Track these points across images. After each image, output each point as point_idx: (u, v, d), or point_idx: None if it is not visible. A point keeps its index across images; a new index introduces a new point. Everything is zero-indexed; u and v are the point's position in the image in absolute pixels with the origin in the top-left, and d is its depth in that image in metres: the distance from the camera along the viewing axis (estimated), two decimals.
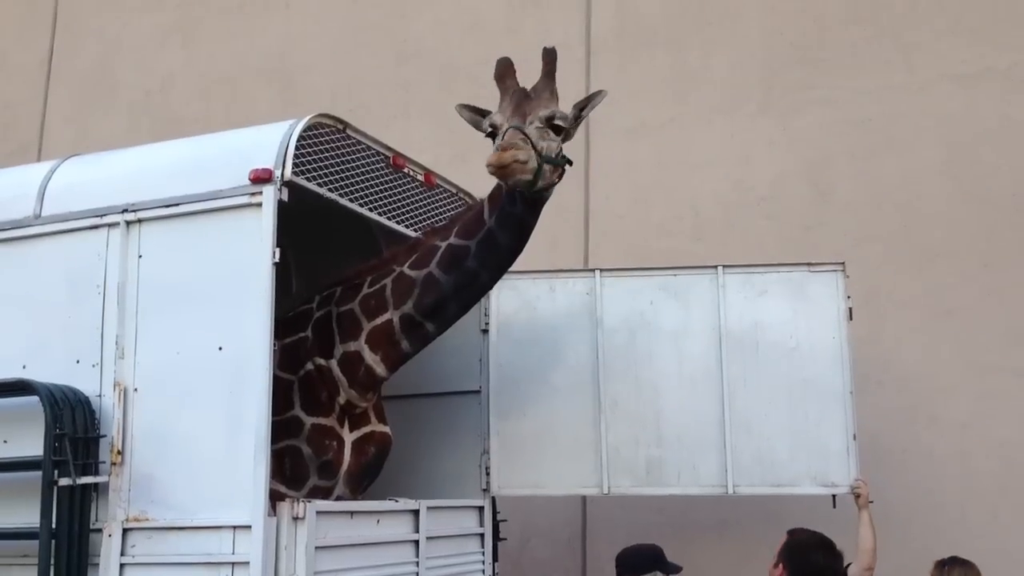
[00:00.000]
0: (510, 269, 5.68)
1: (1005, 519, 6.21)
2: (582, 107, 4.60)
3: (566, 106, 4.52)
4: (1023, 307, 6.49)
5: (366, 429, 4.92)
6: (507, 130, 4.28)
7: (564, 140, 4.49)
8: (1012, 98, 6.79)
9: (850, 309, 5.40)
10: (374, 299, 4.78)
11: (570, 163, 4.57)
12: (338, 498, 4.75)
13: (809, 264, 5.52)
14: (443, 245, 4.68)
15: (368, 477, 4.97)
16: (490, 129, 4.44)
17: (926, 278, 6.77)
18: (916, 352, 6.69)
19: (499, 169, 4.15)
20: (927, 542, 6.06)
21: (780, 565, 3.99)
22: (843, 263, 5.47)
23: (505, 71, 4.55)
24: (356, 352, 4.76)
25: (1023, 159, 6.69)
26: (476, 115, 4.57)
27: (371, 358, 4.75)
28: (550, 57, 4.51)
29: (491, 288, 5.00)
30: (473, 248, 4.61)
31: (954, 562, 4.60)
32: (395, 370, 4.88)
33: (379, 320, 4.74)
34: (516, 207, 4.52)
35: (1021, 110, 6.75)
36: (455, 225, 4.77)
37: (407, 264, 4.76)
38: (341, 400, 4.79)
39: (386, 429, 5.03)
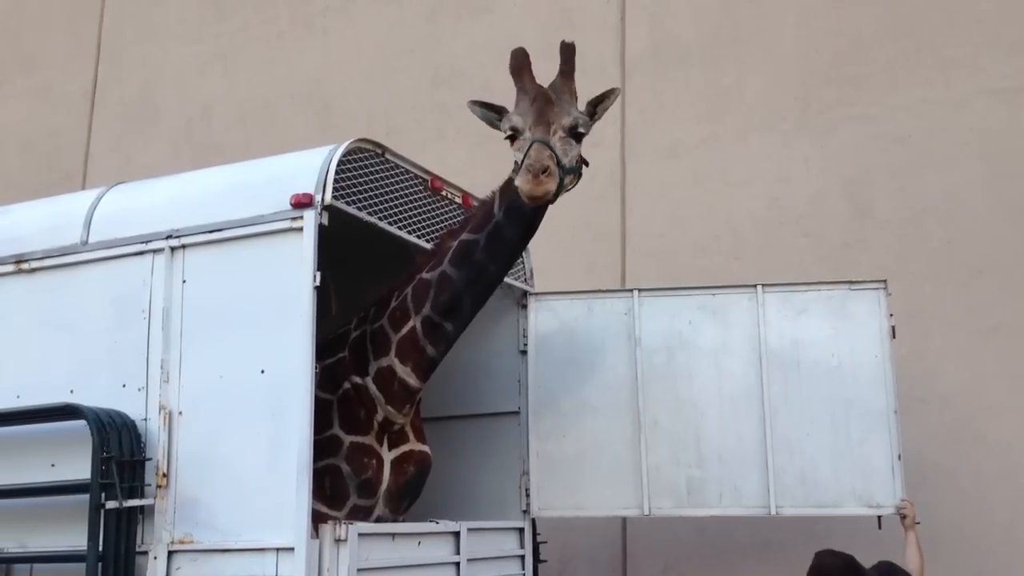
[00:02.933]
0: (549, 290, 5.72)
1: None
2: (596, 104, 4.59)
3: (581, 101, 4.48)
4: None
5: (405, 448, 4.94)
6: (533, 144, 4.22)
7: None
8: None
9: (893, 327, 5.34)
10: (399, 311, 4.82)
11: (587, 164, 4.57)
12: (378, 518, 4.76)
13: (850, 282, 5.47)
14: (455, 243, 4.72)
15: (408, 497, 4.97)
16: (510, 132, 4.41)
17: (969, 294, 6.68)
18: (961, 369, 6.59)
19: (533, 200, 4.17)
20: (976, 563, 5.97)
21: None
22: (885, 281, 5.42)
23: (522, 64, 4.48)
24: (389, 367, 4.78)
25: None
26: (490, 112, 4.55)
27: (402, 370, 4.77)
28: (569, 53, 4.47)
29: (500, 282, 4.93)
30: (482, 241, 4.63)
31: None
32: (426, 379, 4.88)
33: (404, 330, 4.77)
34: (525, 206, 4.53)
35: None
36: (467, 222, 4.81)
37: (426, 269, 4.81)
38: (379, 417, 4.82)
39: (425, 448, 5.04)
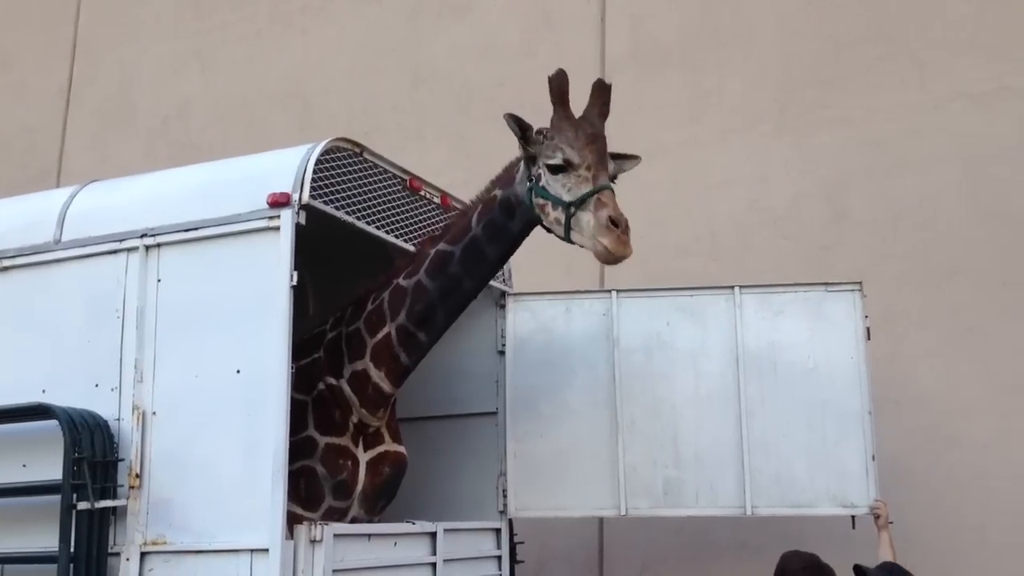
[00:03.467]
0: (527, 290, 5.72)
1: None
2: (617, 160, 4.56)
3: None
4: None
5: (380, 449, 4.92)
6: (605, 191, 4.19)
7: None
8: None
9: (868, 329, 5.38)
10: (375, 315, 4.81)
11: None
12: (353, 519, 4.74)
13: (826, 284, 5.50)
14: (432, 252, 4.71)
15: (384, 498, 4.96)
16: (561, 163, 4.27)
17: (944, 297, 6.73)
18: (935, 372, 6.64)
19: (614, 260, 4.14)
20: (947, 564, 6.01)
21: None
22: (860, 283, 5.45)
23: (565, 89, 4.35)
24: (363, 371, 4.77)
25: None
26: (521, 127, 4.43)
27: (376, 375, 4.76)
28: (607, 95, 4.40)
29: (475, 297, 4.91)
30: (458, 253, 4.63)
31: None
32: (399, 385, 4.88)
33: (380, 335, 4.77)
34: (513, 223, 4.54)
35: None
36: (447, 231, 4.80)
37: (402, 275, 4.80)
38: (354, 419, 4.80)
39: (401, 449, 5.03)
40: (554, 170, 4.26)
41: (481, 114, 8.63)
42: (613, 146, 8.10)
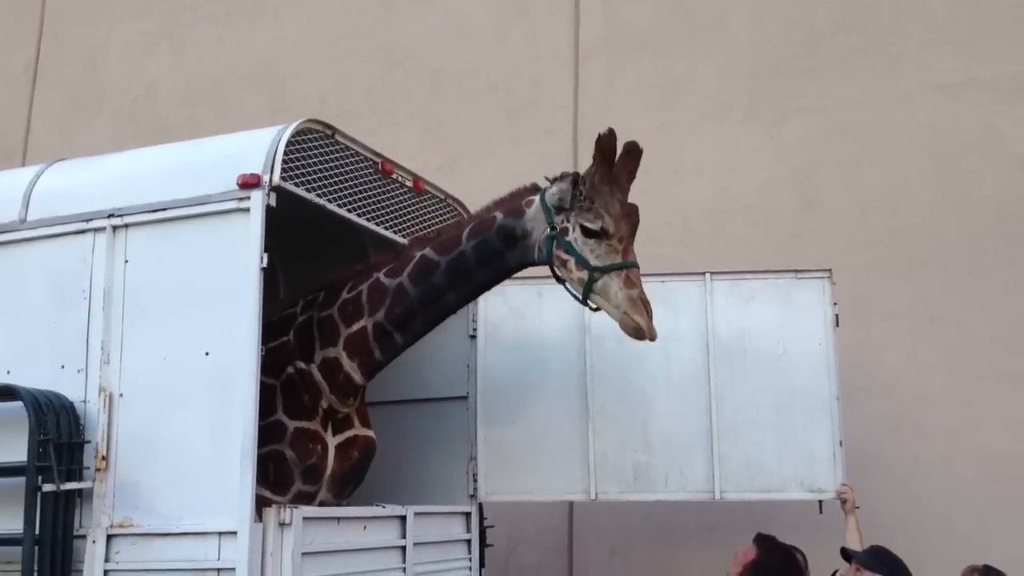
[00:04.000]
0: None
1: (990, 526, 6.24)
2: None
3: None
4: (1007, 314, 6.53)
5: (350, 433, 4.90)
6: (634, 269, 4.28)
7: None
8: (996, 108, 6.85)
9: (837, 316, 5.43)
10: (351, 305, 4.78)
11: None
12: (321, 503, 4.73)
13: (796, 271, 5.54)
14: (418, 255, 4.69)
15: (352, 482, 4.94)
16: (599, 229, 4.29)
17: (911, 286, 6.81)
18: (901, 359, 6.72)
19: (639, 339, 4.25)
20: (911, 549, 6.07)
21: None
22: (830, 270, 5.50)
23: (613, 149, 4.33)
24: (335, 358, 4.75)
25: (1007, 168, 6.74)
26: (570, 185, 4.37)
27: (348, 365, 4.74)
28: (639, 159, 4.39)
29: (456, 311, 4.94)
30: (443, 265, 4.61)
31: (988, 571, 4.52)
32: (371, 378, 4.87)
33: (355, 327, 4.74)
34: (509, 255, 4.55)
35: (1005, 119, 6.81)
36: (437, 236, 4.78)
37: (384, 271, 4.76)
38: (324, 404, 4.78)
39: (370, 433, 5.01)
40: (588, 233, 4.31)
41: (454, 98, 8.60)
42: (585, 131, 8.17)
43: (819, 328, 5.42)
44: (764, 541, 3.79)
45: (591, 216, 4.29)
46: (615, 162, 4.33)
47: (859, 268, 6.70)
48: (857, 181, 7.09)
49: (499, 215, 4.60)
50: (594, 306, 4.39)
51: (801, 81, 7.39)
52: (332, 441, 4.82)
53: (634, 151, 4.37)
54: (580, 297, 4.39)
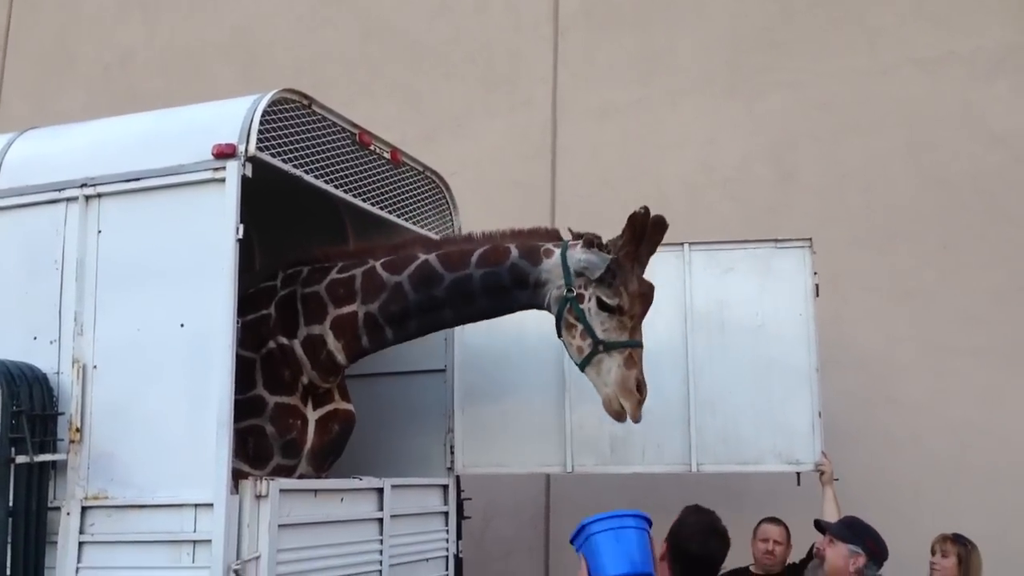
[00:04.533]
0: None
1: (960, 498, 6.32)
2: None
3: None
4: (981, 289, 6.59)
5: (330, 407, 4.90)
6: (638, 349, 4.34)
7: None
8: (973, 83, 6.87)
9: (817, 286, 5.39)
10: (342, 287, 4.75)
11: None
12: (301, 476, 4.72)
13: (776, 240, 5.50)
14: (422, 259, 4.66)
15: (332, 455, 4.95)
16: (615, 305, 4.31)
17: (886, 260, 6.85)
18: (875, 333, 6.77)
19: (622, 420, 4.35)
20: (883, 519, 6.13)
21: (665, 545, 3.88)
22: (810, 239, 5.44)
23: (646, 229, 4.34)
24: (320, 336, 4.73)
25: (983, 143, 6.77)
26: (601, 262, 4.36)
27: (333, 344, 4.73)
28: (663, 233, 4.40)
29: (453, 327, 4.95)
30: (447, 281, 4.60)
31: (958, 539, 4.58)
32: (354, 361, 4.87)
33: (345, 310, 4.72)
34: (518, 295, 4.57)
35: (982, 95, 6.84)
36: (442, 246, 4.75)
37: (382, 262, 4.73)
38: (304, 380, 4.76)
39: (350, 407, 5.01)
40: (603, 306, 4.33)
41: (432, 70, 8.53)
42: (565, 103, 8.14)
43: (799, 298, 5.36)
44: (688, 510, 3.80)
45: (610, 292, 4.32)
46: (644, 239, 4.34)
47: (835, 242, 6.72)
48: (834, 155, 7.11)
49: (514, 252, 4.58)
50: (588, 378, 4.43)
51: (779, 55, 7.39)
52: (312, 415, 4.81)
53: (662, 225, 4.37)
54: (577, 362, 4.44)
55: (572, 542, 4.16)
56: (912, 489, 6.47)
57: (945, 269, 6.70)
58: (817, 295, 5.38)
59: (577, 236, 4.53)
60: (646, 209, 4.28)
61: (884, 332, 6.76)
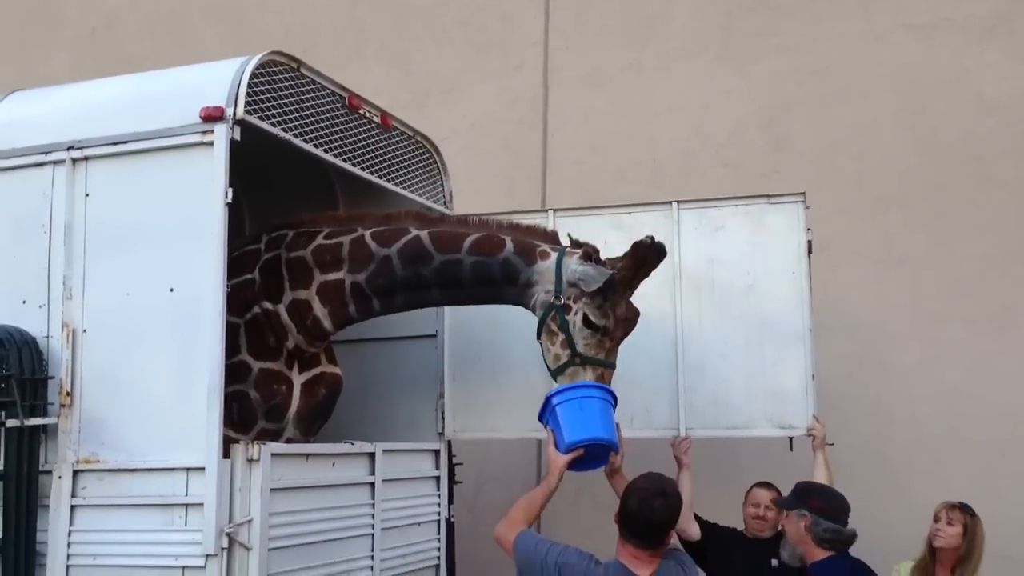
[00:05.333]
0: (467, 212, 5.65)
1: (948, 464, 6.37)
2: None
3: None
4: (972, 256, 6.60)
5: (316, 371, 4.88)
6: (609, 366, 4.35)
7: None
8: (967, 49, 6.84)
9: (810, 242, 5.21)
10: (329, 253, 4.71)
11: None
12: (289, 440, 4.72)
13: (768, 196, 5.34)
14: (413, 234, 4.61)
15: (319, 419, 4.94)
16: (601, 325, 4.27)
17: (878, 227, 6.85)
18: (866, 300, 6.78)
19: None
20: (874, 485, 6.21)
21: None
22: (803, 193, 5.28)
23: (649, 262, 4.32)
24: (306, 301, 4.70)
25: (976, 110, 6.75)
26: (601, 280, 4.27)
27: (320, 310, 4.70)
28: (661, 261, 4.36)
29: (439, 306, 4.89)
30: (437, 262, 4.56)
31: (964, 508, 4.57)
32: (341, 328, 4.84)
33: (331, 276, 4.68)
34: (507, 291, 4.53)
35: (976, 61, 6.81)
36: (436, 224, 4.70)
37: (371, 232, 4.68)
38: (289, 345, 4.74)
39: (336, 370, 4.99)
40: (588, 324, 4.28)
41: (422, 33, 8.45)
42: (556, 69, 8.06)
43: (792, 256, 5.18)
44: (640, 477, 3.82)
45: (599, 313, 4.28)
46: (643, 268, 4.32)
47: (827, 208, 6.70)
48: (827, 121, 7.08)
49: (509, 246, 4.52)
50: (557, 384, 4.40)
51: (773, 19, 7.34)
52: (298, 379, 4.80)
53: (662, 254, 4.33)
54: (551, 368, 4.42)
55: (540, 418, 4.22)
56: (903, 455, 6.51)
57: (937, 235, 6.70)
58: (810, 252, 5.22)
59: (576, 245, 4.50)
60: (652, 239, 4.25)
61: (875, 298, 6.77)
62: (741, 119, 7.32)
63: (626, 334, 4.44)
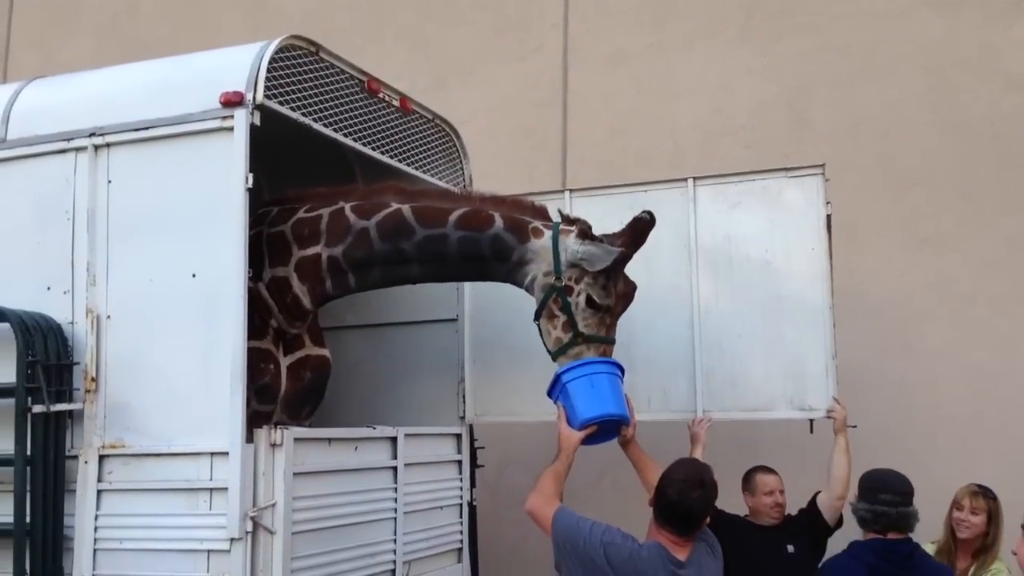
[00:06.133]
0: None
1: (973, 446, 6.32)
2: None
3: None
4: (997, 236, 6.52)
5: (300, 353, 4.83)
6: (610, 343, 4.35)
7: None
8: (991, 25, 6.73)
9: (829, 216, 5.03)
10: (307, 227, 4.65)
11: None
12: (278, 424, 4.69)
13: (787, 169, 5.18)
14: (394, 207, 4.54)
15: (308, 403, 4.88)
16: (602, 304, 4.26)
17: (902, 207, 6.78)
18: (891, 280, 6.72)
19: None
20: (897, 466, 6.17)
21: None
22: (823, 165, 5.11)
23: (646, 236, 4.36)
24: (285, 278, 4.66)
25: (1001, 87, 6.66)
26: (607, 257, 4.26)
27: (299, 287, 4.65)
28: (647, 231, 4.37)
29: (416, 283, 4.82)
30: (418, 236, 4.49)
31: (986, 491, 4.48)
32: (320, 306, 4.80)
33: (309, 251, 4.63)
34: (496, 267, 4.48)
35: (1001, 38, 6.70)
36: (417, 198, 4.61)
37: (351, 205, 4.62)
38: (274, 324, 4.71)
39: (323, 352, 4.92)
40: (591, 303, 4.26)
41: (442, 17, 8.42)
42: (576, 50, 8.01)
43: (811, 231, 4.99)
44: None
45: (603, 292, 4.26)
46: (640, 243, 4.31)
47: (850, 190, 6.64)
48: (849, 101, 7.00)
49: (499, 222, 4.44)
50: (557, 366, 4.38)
51: None
52: (284, 361, 4.77)
53: (652, 225, 4.34)
54: (551, 351, 4.39)
55: (549, 395, 4.24)
56: (926, 438, 6.46)
57: (962, 216, 6.63)
58: (830, 227, 5.03)
59: (568, 221, 4.42)
60: (650, 215, 4.25)
61: (900, 279, 6.71)
62: (763, 99, 7.25)
63: (624, 309, 4.43)
